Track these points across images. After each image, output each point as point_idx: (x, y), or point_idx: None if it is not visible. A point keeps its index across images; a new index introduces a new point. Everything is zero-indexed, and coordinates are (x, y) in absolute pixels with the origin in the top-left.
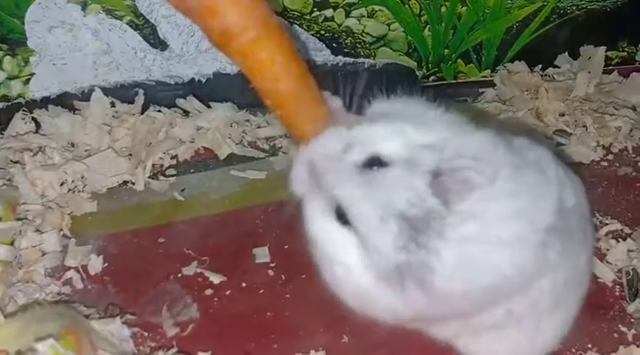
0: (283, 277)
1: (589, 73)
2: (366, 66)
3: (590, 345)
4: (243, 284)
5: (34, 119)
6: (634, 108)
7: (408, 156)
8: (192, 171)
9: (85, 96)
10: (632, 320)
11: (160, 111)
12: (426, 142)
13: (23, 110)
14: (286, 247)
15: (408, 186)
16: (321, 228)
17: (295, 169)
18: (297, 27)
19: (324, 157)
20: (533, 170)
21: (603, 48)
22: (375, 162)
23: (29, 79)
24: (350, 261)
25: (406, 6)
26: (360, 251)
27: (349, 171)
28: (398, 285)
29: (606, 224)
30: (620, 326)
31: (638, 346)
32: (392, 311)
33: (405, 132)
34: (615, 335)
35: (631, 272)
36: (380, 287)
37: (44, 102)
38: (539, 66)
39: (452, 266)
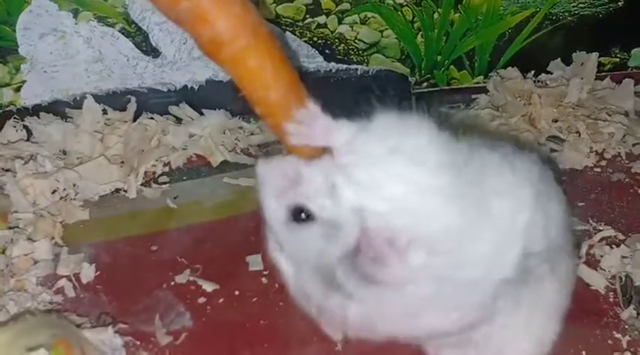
0: (277, 285)
1: (582, 79)
2: (358, 72)
3: (584, 352)
4: (237, 293)
5: (25, 127)
6: (626, 114)
7: (332, 218)
8: (184, 178)
9: (77, 103)
10: (626, 326)
11: (152, 118)
12: (363, 206)
13: (14, 118)
14: None
15: (320, 250)
16: (269, 236)
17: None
18: (289, 34)
19: (268, 188)
20: (497, 226)
21: (596, 54)
22: (301, 213)
23: (20, 87)
24: (286, 271)
25: (399, 13)
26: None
27: (280, 213)
28: (317, 313)
29: (600, 230)
30: (614, 332)
31: (632, 352)
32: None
33: (347, 188)
34: (609, 341)
35: (624, 279)
36: (306, 303)
37: (36, 110)
38: (532, 72)
39: (361, 318)
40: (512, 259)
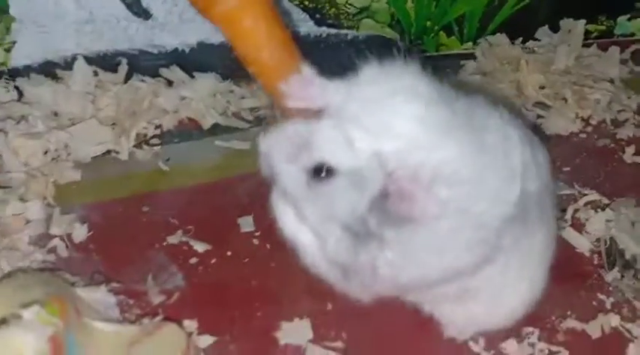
0: (268, 246)
1: (569, 46)
2: (348, 37)
3: (569, 313)
4: (228, 253)
5: (16, 87)
6: (612, 82)
7: (354, 168)
8: (176, 140)
9: (68, 65)
10: (610, 288)
11: (143, 80)
12: (379, 150)
13: (5, 78)
14: (271, 216)
15: (349, 201)
16: (281, 211)
17: (260, 157)
18: None
19: (279, 156)
20: (496, 160)
21: (583, 21)
22: (322, 170)
23: (11, 48)
24: (305, 242)
25: None
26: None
27: (299, 176)
28: (343, 277)
29: (585, 194)
30: (598, 294)
31: (616, 313)
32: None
33: (360, 137)
34: (594, 303)
35: (609, 242)
36: (330, 270)
37: (26, 71)
38: (520, 39)
39: (392, 267)
40: (513, 195)
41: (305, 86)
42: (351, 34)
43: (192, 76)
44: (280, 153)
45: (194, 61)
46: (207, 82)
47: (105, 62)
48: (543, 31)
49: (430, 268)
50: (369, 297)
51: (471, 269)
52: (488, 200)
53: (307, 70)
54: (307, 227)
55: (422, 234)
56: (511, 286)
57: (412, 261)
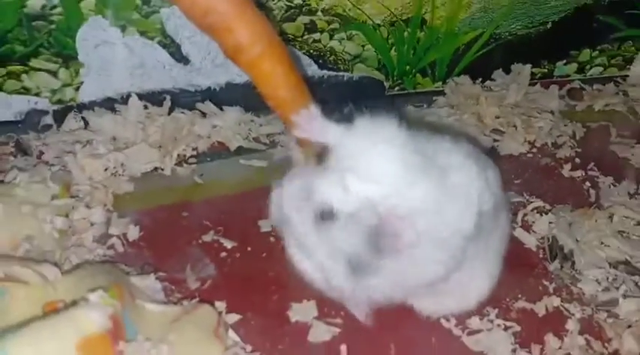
0: (281, 244)
1: (518, 84)
2: (344, 78)
3: (520, 295)
4: (249, 249)
5: (83, 118)
6: (552, 113)
7: (351, 211)
8: (208, 160)
9: (124, 100)
10: (552, 276)
11: (183, 113)
12: (370, 195)
13: (74, 111)
14: None
15: (348, 240)
16: (292, 251)
17: (271, 208)
18: (291, 47)
19: (289, 207)
20: (458, 195)
21: (529, 65)
22: (326, 214)
23: (79, 87)
24: (313, 275)
25: (377, 31)
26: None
27: (306, 221)
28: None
29: (532, 202)
30: (543, 280)
31: (557, 296)
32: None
33: (354, 186)
34: (540, 287)
35: (551, 239)
36: (332, 293)
37: (91, 105)
38: (480, 79)
39: (382, 290)
40: (472, 219)
41: (310, 121)
42: (346, 75)
43: (222, 109)
44: (290, 204)
45: (223, 97)
46: (233, 114)
47: (153, 98)
48: (498, 73)
49: (411, 284)
50: (362, 312)
51: (443, 278)
52: (453, 226)
53: (313, 108)
54: (314, 262)
55: (404, 260)
56: (475, 281)
57: (398, 282)
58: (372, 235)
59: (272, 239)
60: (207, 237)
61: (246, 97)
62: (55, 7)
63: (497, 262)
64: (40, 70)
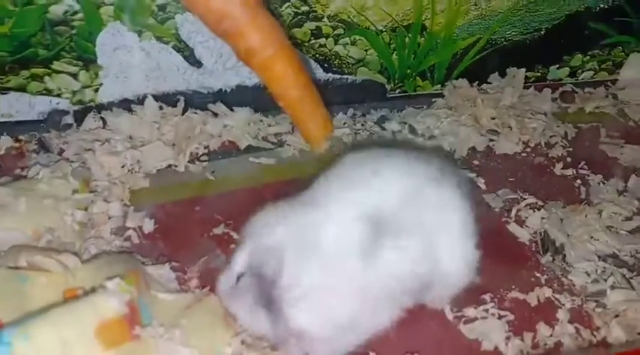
0: None
1: (513, 87)
2: (348, 81)
3: (514, 286)
4: None
5: (102, 118)
6: (545, 114)
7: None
8: (220, 157)
9: (140, 101)
10: (544, 268)
11: (195, 113)
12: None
13: (94, 111)
14: None
15: (256, 290)
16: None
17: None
18: (298, 51)
19: (225, 287)
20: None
21: (523, 69)
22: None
23: (98, 88)
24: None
25: (379, 37)
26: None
27: (231, 287)
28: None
29: (525, 199)
30: (535, 272)
31: (549, 287)
32: None
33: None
34: (532, 279)
35: (543, 234)
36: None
37: (109, 106)
38: (477, 82)
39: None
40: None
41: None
42: (350, 78)
43: (232, 110)
44: (225, 284)
45: (233, 98)
46: (243, 114)
47: (167, 99)
48: (494, 77)
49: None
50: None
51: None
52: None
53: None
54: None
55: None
56: (454, 269)
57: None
58: (270, 282)
59: None
60: (218, 230)
61: (255, 99)
62: (76, 12)
63: (468, 243)
64: (61, 72)
